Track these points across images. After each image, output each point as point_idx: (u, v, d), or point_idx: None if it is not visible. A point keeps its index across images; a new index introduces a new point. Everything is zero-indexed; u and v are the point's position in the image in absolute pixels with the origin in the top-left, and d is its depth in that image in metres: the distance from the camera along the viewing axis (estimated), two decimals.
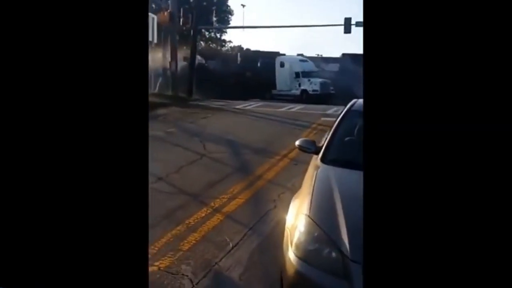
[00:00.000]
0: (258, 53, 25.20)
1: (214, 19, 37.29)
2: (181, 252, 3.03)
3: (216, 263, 2.89)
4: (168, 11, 14.27)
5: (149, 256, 2.74)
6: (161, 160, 5.53)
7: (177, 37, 15.75)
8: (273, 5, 51.03)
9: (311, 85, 20.50)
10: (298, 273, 1.98)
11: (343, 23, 18.34)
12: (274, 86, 21.70)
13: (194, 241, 3.25)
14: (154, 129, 8.30)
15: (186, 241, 3.24)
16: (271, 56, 23.01)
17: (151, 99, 12.29)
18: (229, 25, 36.54)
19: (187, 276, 2.71)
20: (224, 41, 35.42)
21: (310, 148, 3.08)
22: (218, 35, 35.45)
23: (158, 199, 4.10)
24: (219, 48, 34.30)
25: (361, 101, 3.37)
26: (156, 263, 2.85)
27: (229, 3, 37.14)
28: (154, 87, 13.77)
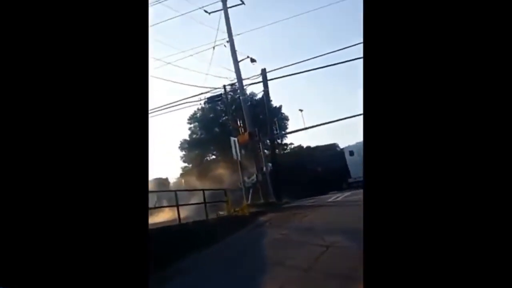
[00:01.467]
0: (318, 148, 26.60)
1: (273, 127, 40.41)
2: None
3: None
4: (248, 132, 16.47)
5: None
6: (300, 254, 6.45)
7: (261, 151, 17.82)
8: (328, 104, 54.58)
9: None
10: None
11: None
12: (346, 175, 22.41)
13: None
14: (270, 234, 9.38)
15: None
16: (330, 148, 24.26)
17: (248, 210, 13.65)
18: (292, 130, 39.25)
19: None
20: (286, 144, 37.65)
21: None
22: (279, 140, 37.96)
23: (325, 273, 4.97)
24: (281, 152, 36.38)
25: None
26: None
27: (289, 111, 40.30)
28: (247, 199, 15.18)
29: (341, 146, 24.59)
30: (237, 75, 16.24)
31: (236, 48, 15.92)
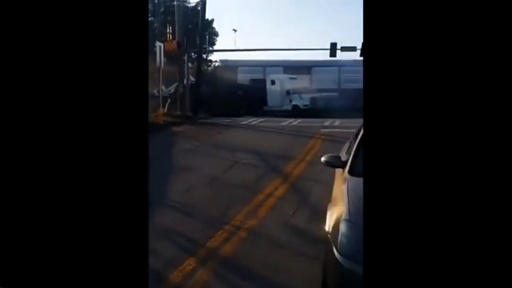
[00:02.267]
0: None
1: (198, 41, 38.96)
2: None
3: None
4: (176, 40, 15.82)
5: None
6: (209, 165, 6.97)
7: (186, 63, 17.37)
8: (262, 30, 53.40)
9: (302, 101, 22.06)
10: (344, 270, 2.28)
11: (329, 47, 20.36)
12: (264, 103, 23.13)
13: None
14: (183, 144, 9.76)
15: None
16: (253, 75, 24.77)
17: (163, 118, 13.73)
18: (222, 48, 38.12)
19: None
20: (211, 61, 36.95)
21: (336, 162, 3.44)
22: (204, 56, 37.01)
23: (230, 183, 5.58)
24: (205, 68, 35.78)
25: None
26: None
27: (219, 28, 38.79)
28: (163, 108, 15.11)
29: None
30: None
31: None
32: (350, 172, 3.07)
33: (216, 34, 40.55)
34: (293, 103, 22.28)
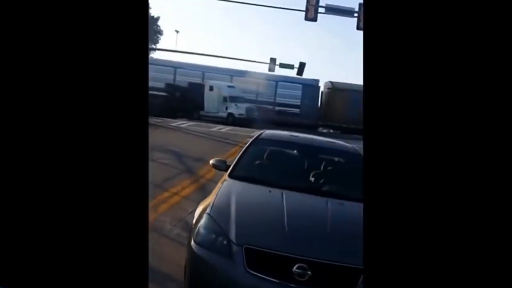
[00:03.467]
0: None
1: None
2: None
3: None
4: None
5: None
6: None
7: None
8: (204, 34, 53.54)
9: (238, 109, 22.42)
10: (197, 256, 2.52)
11: (268, 61, 21.20)
12: (200, 107, 23.23)
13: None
14: None
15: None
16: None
17: None
18: (163, 48, 37.66)
19: None
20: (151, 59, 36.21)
21: (222, 166, 3.70)
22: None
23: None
24: None
25: (268, 132, 4.26)
26: None
27: (163, 27, 38.23)
28: None
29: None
30: None
31: None
32: (229, 175, 3.39)
33: (160, 32, 39.88)
34: (229, 111, 22.58)
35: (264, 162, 3.71)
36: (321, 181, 3.43)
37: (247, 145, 3.90)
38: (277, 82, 25.23)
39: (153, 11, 38.71)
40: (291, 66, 21.49)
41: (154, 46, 34.65)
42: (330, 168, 3.70)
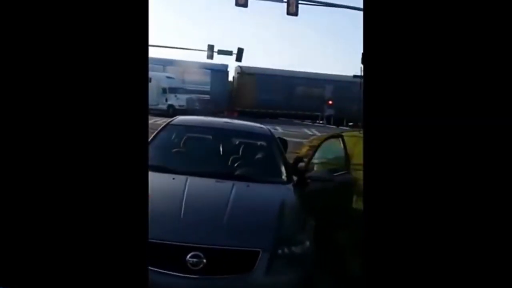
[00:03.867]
0: None
1: None
2: None
3: None
4: None
5: None
6: None
7: None
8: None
9: (178, 101, 21.92)
10: None
11: (206, 49, 20.74)
12: None
13: None
14: None
15: None
16: None
17: None
18: None
19: None
20: None
21: None
22: None
23: None
24: None
25: (180, 117, 4.04)
26: None
27: None
28: None
29: None
30: None
31: None
32: None
33: None
34: (169, 102, 22.05)
35: (172, 149, 3.53)
36: (233, 164, 3.32)
37: (154, 133, 3.69)
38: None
39: None
40: (229, 52, 21.24)
41: None
42: (242, 150, 3.59)
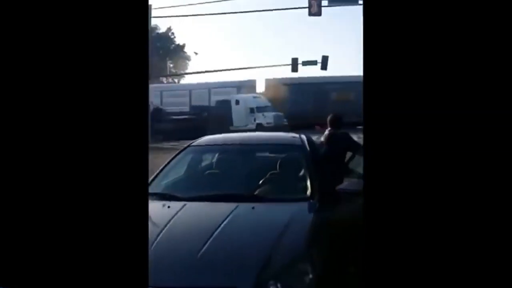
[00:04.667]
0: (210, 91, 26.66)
1: (171, 65, 38.73)
2: None
3: None
4: None
5: None
6: None
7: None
8: (223, 51, 54.07)
9: (265, 119, 21.78)
10: None
11: (290, 63, 20.04)
12: (229, 123, 22.77)
13: None
14: None
15: None
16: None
17: None
18: (186, 72, 38.30)
19: None
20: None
21: None
22: (176, 80, 36.80)
23: None
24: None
25: (203, 138, 3.54)
26: None
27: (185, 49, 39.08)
28: None
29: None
30: None
31: None
32: None
33: (188, 58, 40.55)
34: (257, 121, 21.97)
35: (189, 173, 3.24)
36: (254, 183, 2.85)
37: (169, 159, 3.32)
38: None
39: (177, 39, 39.61)
40: (314, 62, 20.21)
41: (183, 72, 35.12)
42: (265, 166, 3.10)
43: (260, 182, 2.84)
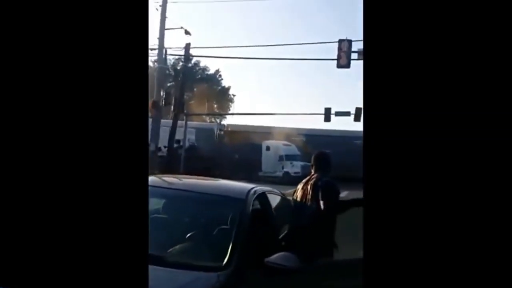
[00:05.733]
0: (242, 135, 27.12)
1: (215, 105, 40.28)
2: None
3: None
4: (153, 100, 16.10)
5: None
6: None
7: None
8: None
9: (293, 168, 21.62)
10: None
11: (323, 112, 20.20)
12: (258, 168, 22.87)
13: None
14: None
15: None
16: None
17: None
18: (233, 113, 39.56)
19: None
20: (223, 125, 37.75)
21: None
22: (218, 120, 38.05)
23: None
24: (220, 131, 36.56)
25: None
26: None
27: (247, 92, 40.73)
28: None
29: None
30: (159, 42, 15.74)
31: (171, 15, 15.43)
32: None
33: (231, 100, 42.05)
34: (285, 170, 21.88)
35: None
36: (169, 243, 2.49)
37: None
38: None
39: (224, 82, 41.25)
40: (347, 113, 20.13)
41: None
42: (194, 222, 2.81)
43: (179, 245, 2.48)
